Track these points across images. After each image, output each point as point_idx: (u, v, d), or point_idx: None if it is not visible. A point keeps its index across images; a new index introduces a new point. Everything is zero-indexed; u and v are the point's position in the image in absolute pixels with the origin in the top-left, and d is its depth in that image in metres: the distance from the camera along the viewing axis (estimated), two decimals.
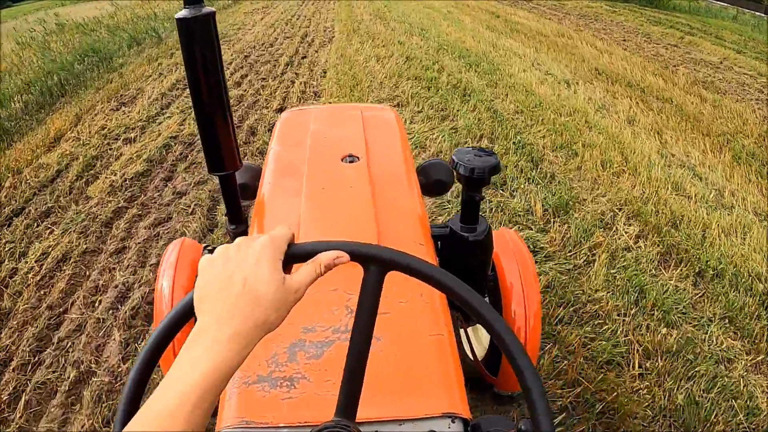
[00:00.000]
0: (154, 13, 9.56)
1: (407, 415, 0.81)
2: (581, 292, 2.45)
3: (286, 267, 0.56)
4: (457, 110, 4.58)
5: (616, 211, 3.13)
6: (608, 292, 2.46)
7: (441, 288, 0.60)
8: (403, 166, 1.48)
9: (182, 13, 1.12)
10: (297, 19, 9.42)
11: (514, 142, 3.91)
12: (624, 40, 8.39)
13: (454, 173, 1.45)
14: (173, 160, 3.84)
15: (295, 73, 5.90)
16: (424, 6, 10.87)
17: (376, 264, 0.59)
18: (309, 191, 1.31)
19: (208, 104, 1.20)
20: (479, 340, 1.86)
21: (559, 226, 2.93)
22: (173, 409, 0.44)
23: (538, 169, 3.57)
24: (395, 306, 0.99)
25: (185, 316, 0.56)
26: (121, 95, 5.47)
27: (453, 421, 0.81)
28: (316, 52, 6.81)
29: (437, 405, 0.82)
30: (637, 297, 2.44)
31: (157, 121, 4.66)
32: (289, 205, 1.29)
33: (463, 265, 1.53)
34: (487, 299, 1.82)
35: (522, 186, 3.34)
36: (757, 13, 12.39)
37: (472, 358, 1.72)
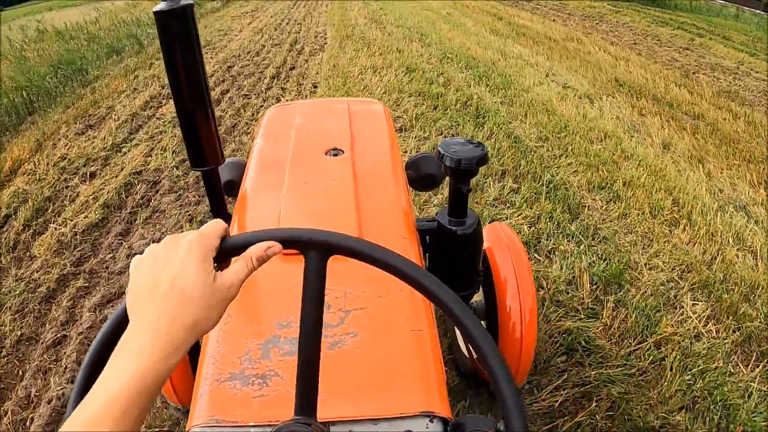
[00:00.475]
0: (137, 18, 8.84)
1: (383, 414, 0.79)
2: (650, 410, 1.88)
3: (221, 264, 0.55)
4: (471, 136, 3.98)
5: (678, 280, 2.57)
6: (686, 411, 1.89)
7: (389, 269, 0.59)
8: (388, 159, 1.46)
9: (160, 6, 1.10)
10: (287, 23, 8.76)
11: (544, 182, 3.32)
12: (634, 44, 7.87)
13: (441, 167, 1.42)
14: (133, 206, 3.24)
15: (282, 88, 5.28)
16: (421, 8, 10.24)
17: (314, 249, 0.58)
18: (291, 185, 1.30)
19: (188, 99, 1.19)
20: None
21: (613, 307, 2.36)
22: (100, 415, 0.44)
23: (578, 221, 2.99)
24: (373, 301, 0.98)
25: (121, 323, 0.56)
26: (90, 115, 4.85)
27: (431, 421, 0.79)
28: (306, 62, 6.18)
29: (415, 403, 0.81)
30: (721, 417, 1.88)
31: (123, 149, 4.04)
32: (270, 199, 1.27)
33: (452, 259, 1.52)
34: (480, 294, 1.67)
35: (561, 245, 2.76)
36: (757, 12, 11.94)
37: (467, 355, 1.67)
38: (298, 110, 1.73)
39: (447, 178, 1.48)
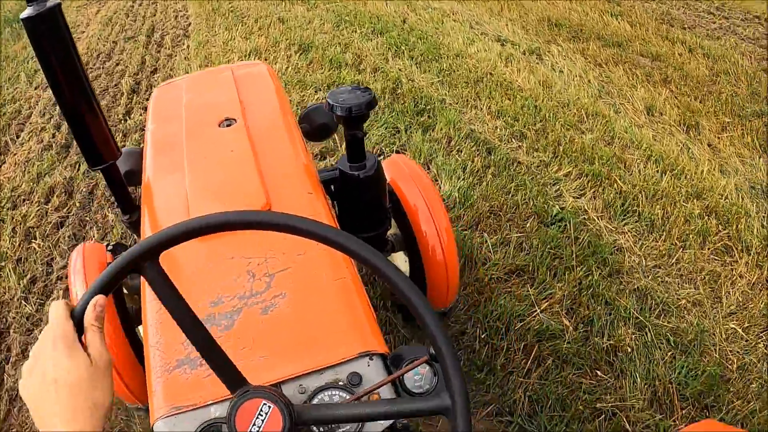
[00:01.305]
0: None
1: (326, 363, 0.83)
2: None
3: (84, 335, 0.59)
4: (419, 149, 2.96)
5: None
6: None
7: (230, 227, 0.63)
8: (280, 119, 1.47)
9: (27, 12, 1.11)
10: (139, 4, 6.72)
11: (553, 226, 2.43)
12: None
13: (333, 116, 1.45)
14: None
15: (145, 108, 3.81)
16: None
17: (144, 260, 0.62)
18: (191, 164, 1.28)
19: (71, 99, 1.20)
20: (398, 266, 1.72)
21: None
22: None
23: (625, 289, 2.16)
24: (294, 260, 1.00)
25: None
26: None
27: (371, 359, 0.85)
28: (171, 57, 4.59)
29: (352, 347, 0.85)
30: None
31: None
32: (174, 182, 1.26)
33: (360, 202, 1.57)
34: (395, 228, 1.77)
35: (630, 344, 1.94)
36: None
37: None
38: (184, 86, 1.68)
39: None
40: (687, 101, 3.50)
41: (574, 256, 2.27)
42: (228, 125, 1.40)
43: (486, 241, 2.36)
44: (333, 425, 0.77)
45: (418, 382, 0.82)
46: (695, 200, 2.59)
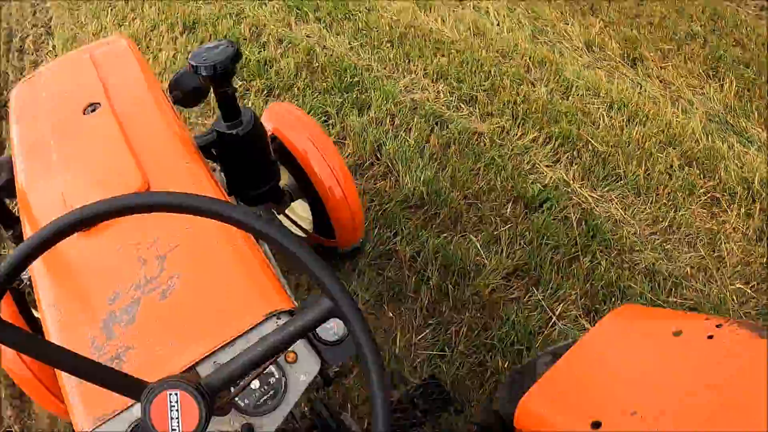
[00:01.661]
0: None
1: (236, 333, 0.83)
2: None
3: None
4: (360, 135, 2.53)
5: None
6: None
7: (137, 209, 0.64)
8: (147, 94, 1.41)
9: None
10: None
11: (540, 210, 2.16)
12: None
13: (199, 78, 1.40)
14: None
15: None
16: None
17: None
18: (62, 160, 1.24)
19: None
20: (300, 215, 1.89)
21: None
22: None
23: (635, 270, 1.96)
24: (182, 235, 0.98)
25: None
26: None
27: (279, 318, 0.85)
28: (36, 63, 3.58)
29: (258, 311, 0.85)
30: None
31: None
32: (50, 182, 1.20)
33: (245, 160, 1.54)
34: (288, 176, 1.75)
35: None
36: None
37: (305, 235, 1.81)
38: (41, 78, 1.57)
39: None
40: (623, 31, 3.30)
41: (575, 242, 2.03)
42: (93, 110, 1.35)
43: (473, 244, 2.05)
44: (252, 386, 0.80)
45: (331, 330, 0.85)
46: (670, 149, 2.43)
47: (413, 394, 1.37)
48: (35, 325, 1.41)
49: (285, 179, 1.77)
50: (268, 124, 1.68)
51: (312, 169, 1.60)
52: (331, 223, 1.70)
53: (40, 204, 1.19)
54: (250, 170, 1.58)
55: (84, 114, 1.35)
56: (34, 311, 1.47)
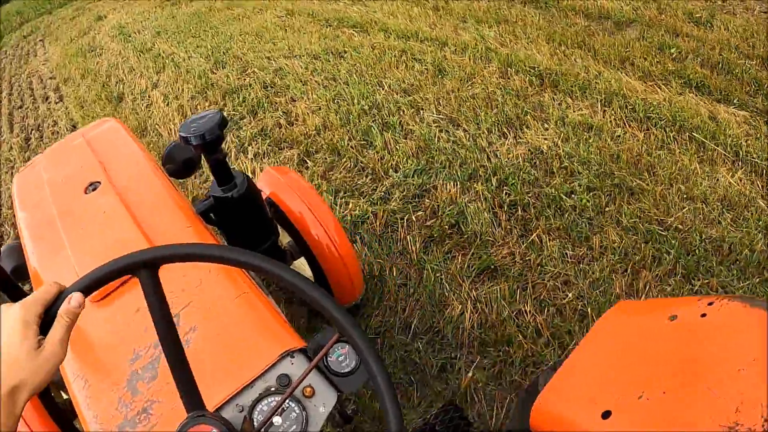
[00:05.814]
0: None
1: (253, 376, 0.89)
2: None
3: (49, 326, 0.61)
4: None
5: None
6: None
7: (211, 259, 0.70)
8: (144, 168, 1.49)
9: None
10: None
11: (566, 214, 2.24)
12: None
13: (191, 148, 1.45)
14: None
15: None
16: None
17: (143, 267, 0.68)
18: (70, 239, 1.29)
19: None
20: (304, 271, 1.90)
21: None
22: None
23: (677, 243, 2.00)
24: (193, 292, 1.05)
25: None
26: None
27: (292, 356, 0.91)
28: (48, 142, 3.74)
29: (272, 352, 0.91)
30: None
31: None
32: (60, 263, 1.25)
33: (241, 221, 1.59)
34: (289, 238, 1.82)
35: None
36: None
37: None
38: (40, 165, 1.66)
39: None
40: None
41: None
42: (94, 189, 1.41)
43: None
44: (275, 423, 0.83)
45: (343, 362, 0.90)
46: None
47: (433, 422, 1.37)
48: (59, 411, 1.39)
49: (287, 239, 1.85)
50: (265, 188, 1.75)
51: (308, 230, 1.66)
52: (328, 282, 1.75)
53: (53, 280, 1.20)
54: (247, 229, 1.64)
55: (86, 193, 1.42)
56: (63, 393, 1.49)
